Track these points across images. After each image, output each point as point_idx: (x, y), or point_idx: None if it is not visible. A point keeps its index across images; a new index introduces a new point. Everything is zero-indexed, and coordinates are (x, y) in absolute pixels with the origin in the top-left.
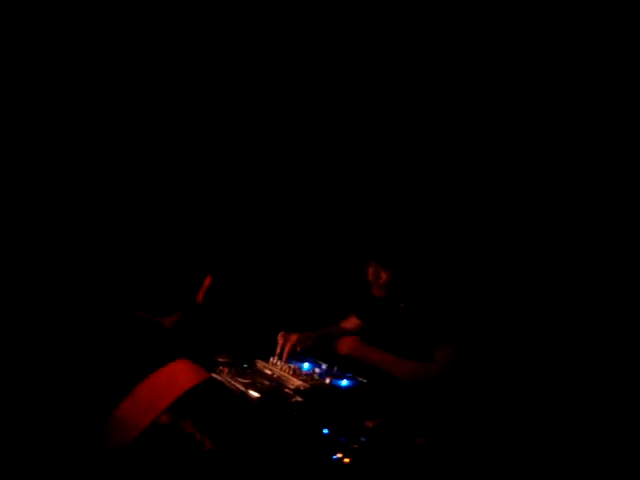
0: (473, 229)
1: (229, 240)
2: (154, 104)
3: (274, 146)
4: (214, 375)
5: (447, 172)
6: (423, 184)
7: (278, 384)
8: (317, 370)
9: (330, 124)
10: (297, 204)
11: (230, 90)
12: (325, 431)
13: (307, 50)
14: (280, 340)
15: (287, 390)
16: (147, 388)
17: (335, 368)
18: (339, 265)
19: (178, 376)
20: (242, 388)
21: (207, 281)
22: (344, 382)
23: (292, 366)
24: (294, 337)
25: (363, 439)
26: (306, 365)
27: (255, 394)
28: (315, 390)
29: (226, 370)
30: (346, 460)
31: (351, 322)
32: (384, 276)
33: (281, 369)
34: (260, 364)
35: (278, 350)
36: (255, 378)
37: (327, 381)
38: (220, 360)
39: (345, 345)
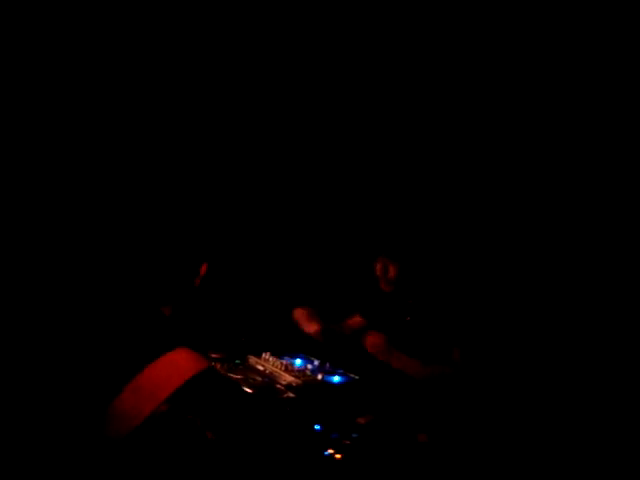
0: (481, 224)
1: (231, 233)
2: (154, 104)
3: (281, 140)
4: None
5: (456, 166)
6: (432, 178)
7: (270, 380)
8: (309, 366)
9: (338, 118)
10: (303, 199)
11: (230, 90)
12: (317, 427)
13: (307, 50)
14: None
15: (279, 386)
16: (147, 377)
17: (327, 364)
18: (344, 261)
19: (178, 365)
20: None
21: (203, 269)
22: (336, 378)
23: (284, 362)
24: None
25: (355, 435)
26: (298, 361)
27: (247, 390)
28: (307, 386)
29: (218, 366)
30: (338, 456)
31: (355, 321)
32: (392, 270)
33: (273, 365)
34: (252, 360)
35: None
36: (247, 374)
37: (319, 377)
38: (213, 356)
39: (373, 345)
